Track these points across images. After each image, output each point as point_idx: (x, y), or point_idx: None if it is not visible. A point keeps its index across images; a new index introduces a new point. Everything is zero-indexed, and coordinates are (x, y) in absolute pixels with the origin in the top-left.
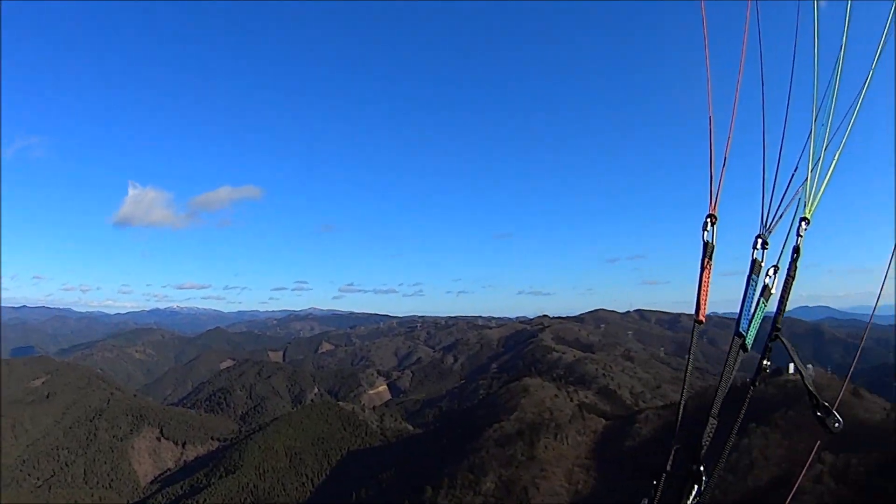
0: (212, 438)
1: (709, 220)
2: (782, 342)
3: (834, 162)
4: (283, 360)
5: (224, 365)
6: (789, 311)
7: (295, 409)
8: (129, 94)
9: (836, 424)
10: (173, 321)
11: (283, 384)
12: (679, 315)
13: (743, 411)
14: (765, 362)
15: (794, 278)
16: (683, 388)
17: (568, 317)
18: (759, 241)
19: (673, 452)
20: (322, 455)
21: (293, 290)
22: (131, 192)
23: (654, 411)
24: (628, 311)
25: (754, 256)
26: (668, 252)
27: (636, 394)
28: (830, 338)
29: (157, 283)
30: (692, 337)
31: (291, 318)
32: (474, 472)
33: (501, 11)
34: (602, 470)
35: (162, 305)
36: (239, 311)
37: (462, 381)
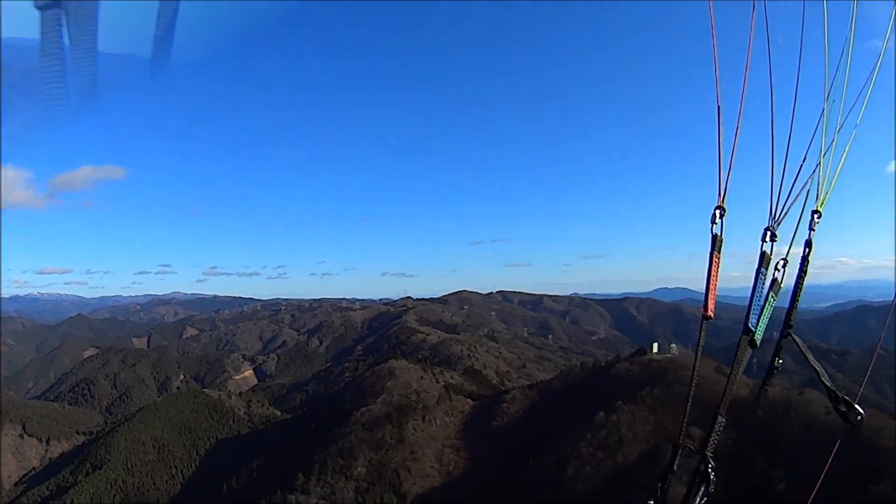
0: (77, 433)
1: (717, 212)
2: (794, 339)
3: (845, 152)
4: (148, 347)
5: (87, 353)
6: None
7: (161, 397)
8: None
9: (858, 417)
10: (34, 308)
11: (149, 372)
12: (542, 296)
13: (755, 408)
14: (777, 360)
15: (806, 273)
16: (692, 384)
17: (431, 298)
18: (768, 233)
19: (680, 450)
20: (191, 445)
21: (156, 273)
22: None
23: (521, 391)
24: (491, 293)
25: (763, 249)
26: (531, 235)
27: (502, 373)
28: (689, 317)
29: (16, 269)
30: (700, 331)
31: (155, 302)
32: (344, 456)
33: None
34: (472, 450)
35: (22, 292)
36: (101, 297)
37: (328, 364)
